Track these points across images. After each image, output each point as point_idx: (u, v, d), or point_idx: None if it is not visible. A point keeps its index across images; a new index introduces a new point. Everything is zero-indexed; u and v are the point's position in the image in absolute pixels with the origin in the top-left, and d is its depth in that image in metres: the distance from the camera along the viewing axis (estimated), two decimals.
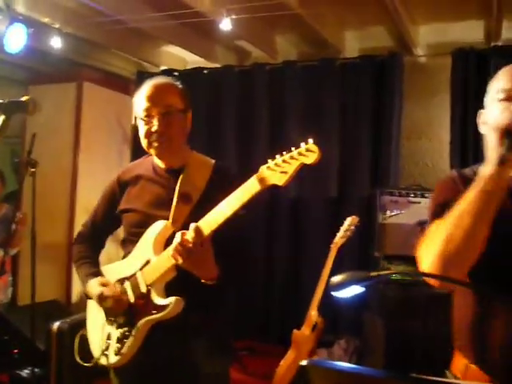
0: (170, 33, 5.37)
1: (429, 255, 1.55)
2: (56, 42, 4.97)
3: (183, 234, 2.00)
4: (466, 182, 1.63)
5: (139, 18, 4.81)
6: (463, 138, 5.14)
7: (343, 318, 5.36)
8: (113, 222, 2.49)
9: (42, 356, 4.38)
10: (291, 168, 1.84)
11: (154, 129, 2.23)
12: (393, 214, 4.66)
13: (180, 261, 2.02)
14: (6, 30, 3.97)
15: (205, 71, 6.24)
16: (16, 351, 4.52)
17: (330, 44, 5.50)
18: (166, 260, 2.12)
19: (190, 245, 1.98)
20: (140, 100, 2.28)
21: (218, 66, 6.21)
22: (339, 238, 4.02)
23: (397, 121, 5.39)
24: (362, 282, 1.43)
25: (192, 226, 2.00)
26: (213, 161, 2.39)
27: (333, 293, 1.48)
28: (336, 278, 1.46)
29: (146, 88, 2.29)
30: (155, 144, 2.26)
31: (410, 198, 4.73)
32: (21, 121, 6.06)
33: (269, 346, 5.57)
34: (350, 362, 4.71)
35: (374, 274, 1.42)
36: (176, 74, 6.29)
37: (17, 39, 4.15)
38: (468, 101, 5.10)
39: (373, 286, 1.44)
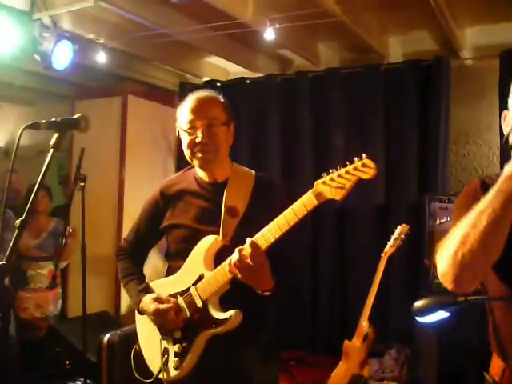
0: (212, 44, 5.40)
1: (444, 258, 1.50)
2: (101, 57, 5.06)
3: (241, 250, 2.02)
4: (487, 188, 1.58)
5: (182, 31, 4.84)
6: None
7: (393, 327, 5.28)
8: (155, 236, 2.53)
9: (94, 368, 4.42)
10: (348, 183, 1.86)
11: (198, 140, 2.25)
12: (442, 221, 4.56)
13: (239, 276, 2.05)
14: (53, 48, 4.03)
15: (247, 81, 6.24)
16: (68, 363, 4.58)
17: (373, 50, 5.44)
18: (222, 275, 2.15)
19: (248, 260, 2.00)
20: (184, 112, 2.30)
21: (260, 75, 6.20)
22: (389, 246, 3.97)
23: (444, 126, 5.29)
24: (449, 307, 1.39)
25: (248, 241, 2.01)
26: (253, 172, 2.42)
27: (416, 318, 1.45)
28: (419, 303, 1.43)
29: (190, 101, 2.32)
30: (199, 155, 2.28)
31: None
32: (68, 135, 6.15)
33: (317, 357, 5.53)
34: (401, 372, 4.63)
35: (461, 299, 1.38)
36: (218, 84, 6.31)
37: (63, 56, 4.21)
38: None
39: (456, 308, 1.40)
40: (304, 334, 5.80)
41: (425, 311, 1.42)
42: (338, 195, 1.87)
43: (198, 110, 2.28)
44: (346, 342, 3.97)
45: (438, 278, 4.58)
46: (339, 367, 3.94)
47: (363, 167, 1.82)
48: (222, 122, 2.31)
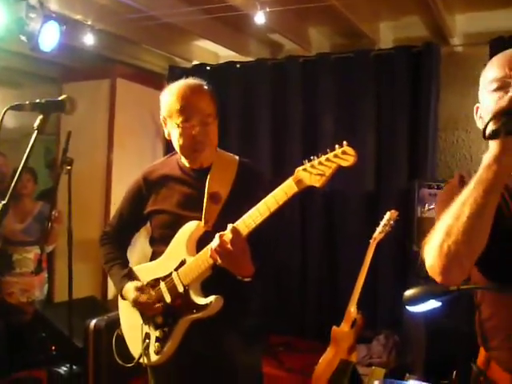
0: (202, 27, 5.34)
1: (430, 250, 1.50)
2: (89, 39, 4.98)
3: (221, 236, 2.02)
4: (465, 183, 1.59)
5: (171, 13, 4.78)
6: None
7: (382, 313, 5.30)
8: (139, 221, 2.54)
9: (80, 353, 4.40)
10: (328, 170, 1.86)
11: (194, 137, 2.24)
12: (431, 207, 4.55)
13: (219, 261, 2.06)
14: (40, 29, 3.96)
15: (237, 65, 6.19)
16: (53, 348, 4.56)
17: (364, 35, 5.42)
18: (203, 260, 2.16)
19: (229, 246, 2.01)
20: (174, 104, 2.26)
21: (250, 59, 6.16)
22: (378, 233, 3.96)
23: (433, 112, 5.28)
24: (440, 296, 1.38)
25: (229, 227, 2.02)
26: (237, 158, 2.43)
27: (407, 307, 1.43)
28: (410, 292, 1.41)
29: (181, 93, 2.28)
30: (194, 152, 2.29)
31: None
32: (54, 118, 6.09)
33: (305, 342, 5.54)
34: (389, 358, 4.64)
35: (453, 288, 1.36)
36: (208, 68, 6.27)
37: (50, 37, 4.14)
38: None
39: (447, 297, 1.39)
40: (292, 320, 5.81)
41: (416, 300, 1.41)
42: (317, 182, 1.88)
43: (193, 106, 2.26)
44: (335, 327, 3.97)
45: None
46: (327, 353, 3.94)
47: (343, 154, 1.82)
48: (215, 116, 2.32)
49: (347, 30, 5.47)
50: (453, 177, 4.90)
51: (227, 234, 2.02)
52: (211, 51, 6.51)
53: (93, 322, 4.35)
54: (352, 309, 3.91)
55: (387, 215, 4.00)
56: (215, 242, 2.04)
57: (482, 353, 1.73)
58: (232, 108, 6.03)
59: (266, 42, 6.15)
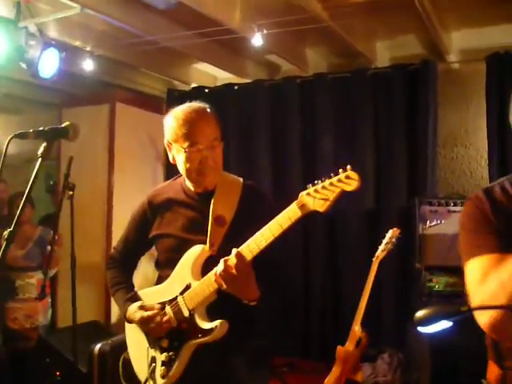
0: (199, 50, 5.39)
1: (487, 313, 1.50)
2: (88, 65, 5.03)
3: (226, 261, 2.02)
4: (493, 202, 1.61)
5: (169, 37, 4.83)
6: (501, 144, 5.04)
7: (385, 331, 5.28)
8: (144, 245, 2.52)
9: (85, 378, 4.38)
10: (332, 195, 1.85)
11: (202, 162, 2.24)
12: (433, 224, 4.56)
13: (224, 286, 2.05)
14: (39, 56, 4.00)
15: (235, 87, 6.23)
16: (58, 373, 4.54)
17: (360, 54, 5.46)
18: (208, 285, 2.15)
19: (233, 271, 2.00)
20: (181, 129, 2.25)
21: (248, 81, 6.20)
22: (381, 251, 3.96)
23: (432, 129, 5.30)
24: (453, 316, 1.37)
25: (234, 252, 2.01)
26: (241, 180, 2.41)
27: (418, 328, 1.43)
28: (421, 313, 1.40)
29: (188, 118, 2.26)
30: (202, 176, 2.28)
31: (450, 208, 4.63)
32: (55, 143, 6.11)
33: (310, 363, 5.52)
34: (394, 377, 4.62)
35: (464, 308, 1.36)
36: (206, 91, 6.31)
37: (50, 64, 4.17)
38: (504, 106, 5.00)
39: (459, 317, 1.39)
40: (296, 340, 5.79)
41: (427, 321, 1.40)
42: (321, 207, 1.86)
43: (199, 130, 2.24)
44: (339, 347, 3.95)
45: (429, 281, 4.57)
46: (332, 373, 3.92)
47: (347, 179, 1.81)
48: (220, 139, 2.31)
49: (344, 50, 5.52)
50: (455, 193, 4.88)
51: (231, 259, 2.01)
52: (209, 74, 6.56)
53: (97, 347, 4.34)
54: (356, 328, 3.89)
55: (389, 233, 3.99)
56: (220, 267, 2.03)
57: (494, 370, 1.71)
58: (231, 129, 6.06)
59: (263, 64, 6.20)
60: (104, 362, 4.29)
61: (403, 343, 4.86)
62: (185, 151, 2.23)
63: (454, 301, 4.28)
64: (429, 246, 4.61)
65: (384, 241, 3.98)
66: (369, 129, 5.56)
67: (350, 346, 3.90)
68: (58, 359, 4.60)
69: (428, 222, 4.60)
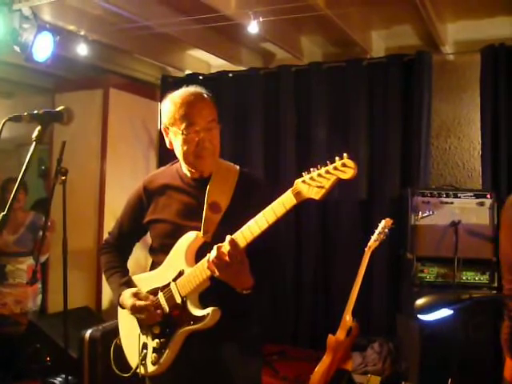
0: (194, 37, 5.36)
1: None
2: (82, 50, 5.00)
3: (219, 247, 2.00)
4: None
5: (164, 23, 4.80)
6: (494, 136, 5.05)
7: (375, 320, 5.31)
8: (139, 230, 2.51)
9: (75, 364, 4.38)
10: (328, 183, 1.83)
11: (199, 144, 2.22)
12: (425, 215, 4.57)
13: (217, 273, 2.03)
14: (33, 39, 3.97)
15: (230, 74, 6.21)
16: (48, 359, 4.53)
17: (356, 44, 5.45)
18: (201, 271, 2.14)
19: (226, 257, 1.99)
20: (176, 112, 2.24)
21: (242, 68, 6.18)
22: (373, 241, 3.97)
23: (426, 120, 5.31)
24: (454, 304, 1.38)
25: (228, 238, 2.00)
26: (237, 167, 2.40)
27: (419, 316, 1.43)
28: (422, 301, 1.41)
29: (184, 101, 2.25)
30: (199, 159, 2.26)
31: (442, 199, 4.65)
32: (48, 128, 6.08)
33: (300, 351, 5.55)
34: (384, 366, 4.65)
35: (465, 296, 1.36)
36: (201, 77, 6.28)
37: (44, 48, 4.14)
38: (498, 98, 5.02)
39: (457, 307, 1.39)
40: (287, 328, 5.82)
41: (428, 309, 1.40)
42: (316, 195, 1.85)
43: (196, 112, 2.23)
44: (330, 336, 3.97)
45: (420, 271, 4.59)
46: (323, 361, 3.94)
47: (343, 167, 1.79)
48: (217, 121, 2.29)
49: (339, 39, 5.51)
50: (448, 185, 4.90)
51: (225, 246, 2.00)
52: (203, 61, 6.53)
53: (88, 333, 4.33)
54: (347, 317, 3.91)
55: (382, 223, 4.00)
56: (213, 254, 2.02)
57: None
58: (225, 117, 6.02)
59: (258, 52, 6.18)
60: (94, 348, 4.28)
61: (393, 333, 4.89)
62: (182, 133, 2.22)
63: (445, 291, 4.30)
64: (421, 237, 4.62)
65: (376, 231, 3.99)
66: (363, 118, 5.56)
67: (340, 334, 3.91)
68: (49, 345, 4.60)
69: (420, 212, 4.61)
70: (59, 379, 4.38)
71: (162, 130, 2.34)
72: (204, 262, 2.10)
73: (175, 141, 2.28)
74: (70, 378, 4.12)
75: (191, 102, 2.24)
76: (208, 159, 2.26)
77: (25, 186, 5.21)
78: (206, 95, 2.30)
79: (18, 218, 5.09)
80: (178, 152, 2.28)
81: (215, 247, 2.02)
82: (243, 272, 2.05)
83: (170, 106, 2.28)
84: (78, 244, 4.91)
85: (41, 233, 4.58)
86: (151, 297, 2.29)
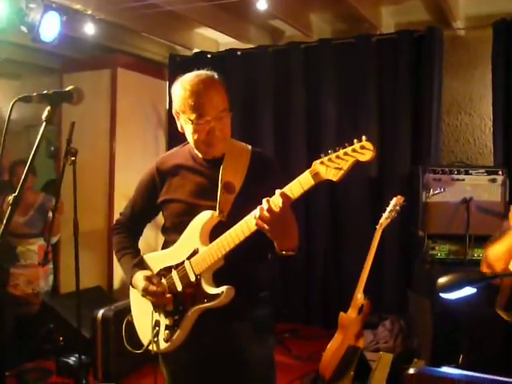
0: (202, 14, 5.32)
1: None
2: (89, 29, 4.97)
3: (269, 200, 1.94)
4: None
5: (171, 1, 4.76)
6: (506, 112, 5.01)
7: (387, 298, 5.31)
8: (151, 211, 2.52)
9: (88, 343, 4.42)
10: (346, 165, 1.83)
11: (213, 133, 2.21)
12: (436, 192, 4.55)
13: (267, 227, 1.96)
14: (40, 19, 3.94)
15: (238, 52, 6.16)
16: (61, 339, 4.57)
17: (365, 20, 5.39)
18: (216, 250, 2.14)
19: (278, 210, 1.92)
20: (188, 100, 2.22)
21: (251, 46, 6.13)
22: (384, 218, 3.94)
23: (437, 96, 5.27)
24: (477, 282, 1.36)
25: (277, 192, 1.93)
26: (249, 147, 2.39)
27: (441, 294, 1.42)
28: (445, 279, 1.40)
29: (196, 89, 2.22)
30: (210, 147, 2.26)
31: (454, 176, 4.62)
32: (58, 108, 6.07)
33: (312, 329, 5.57)
34: (395, 343, 4.65)
35: (490, 274, 1.35)
36: (209, 56, 6.24)
37: (51, 28, 4.13)
38: (511, 73, 4.95)
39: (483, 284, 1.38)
40: (299, 307, 5.84)
41: (451, 287, 1.39)
42: (334, 176, 1.85)
43: (207, 102, 2.20)
44: (342, 314, 3.96)
45: (431, 249, 4.58)
46: (335, 339, 3.94)
47: (361, 149, 1.79)
48: (228, 109, 2.28)
49: (348, 16, 5.45)
50: (459, 162, 4.87)
51: (276, 198, 1.92)
52: (211, 39, 6.48)
53: (100, 312, 4.37)
54: (359, 295, 3.90)
55: (393, 201, 3.97)
56: (263, 206, 1.94)
57: None
58: (233, 96, 5.88)
59: (266, 29, 6.12)
60: (107, 328, 4.32)
61: (405, 310, 4.89)
62: (192, 123, 2.21)
63: (457, 268, 4.29)
64: (432, 214, 4.61)
65: (388, 208, 3.96)
66: (373, 95, 5.52)
67: (352, 312, 3.91)
68: (62, 325, 4.64)
69: (431, 190, 4.59)
70: (73, 359, 4.42)
71: (174, 113, 2.33)
72: (220, 239, 2.11)
73: (186, 127, 2.27)
74: (83, 357, 4.15)
75: (201, 91, 2.21)
76: (218, 146, 2.26)
77: (33, 167, 5.21)
78: (217, 80, 2.27)
79: (27, 199, 5.10)
80: (189, 139, 2.28)
81: (265, 200, 1.95)
82: (293, 228, 2.03)
83: (179, 92, 2.26)
84: (88, 225, 4.91)
85: (50, 214, 4.59)
86: (164, 282, 2.30)
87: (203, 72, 2.30)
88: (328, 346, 3.92)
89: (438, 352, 4.23)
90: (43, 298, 5.04)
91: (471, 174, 4.60)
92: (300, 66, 5.84)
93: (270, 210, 1.93)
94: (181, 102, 2.25)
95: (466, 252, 4.39)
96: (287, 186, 1.93)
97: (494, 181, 4.58)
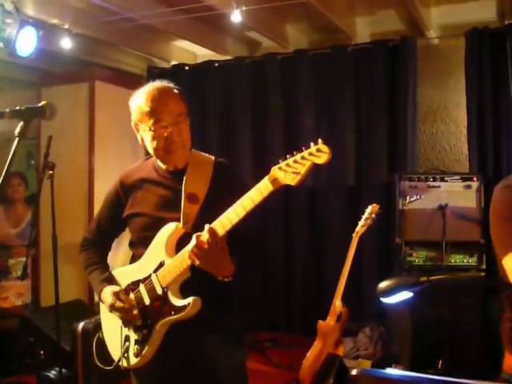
0: (179, 27, 5.35)
1: None
2: (66, 43, 4.97)
3: (198, 237, 2.02)
4: None
5: (148, 15, 4.79)
6: (480, 120, 5.09)
7: (366, 305, 5.35)
8: (118, 226, 2.52)
9: (69, 356, 4.40)
10: (303, 168, 1.85)
11: (167, 139, 2.24)
12: (412, 199, 4.61)
13: (197, 262, 2.05)
14: (16, 34, 3.96)
15: (216, 64, 6.20)
16: (42, 352, 4.55)
17: (340, 31, 5.46)
18: (181, 261, 2.16)
19: (206, 246, 2.01)
20: (144, 109, 2.26)
21: (228, 58, 6.17)
22: (360, 226, 3.99)
23: (412, 105, 5.34)
24: (413, 287, 1.41)
25: (206, 227, 2.02)
26: (212, 157, 2.41)
27: (381, 298, 1.47)
28: (384, 284, 1.45)
29: (149, 97, 2.26)
30: (169, 153, 2.28)
31: (430, 183, 4.68)
32: (35, 122, 6.07)
33: (292, 337, 5.58)
34: (375, 350, 4.69)
35: (423, 278, 1.40)
36: (187, 68, 6.28)
37: (28, 42, 4.14)
38: (484, 81, 5.04)
39: (419, 288, 1.42)
40: (279, 316, 5.85)
41: (389, 292, 1.44)
42: (292, 181, 1.87)
43: (162, 107, 2.24)
44: (321, 321, 3.99)
45: (409, 255, 4.62)
46: (314, 347, 3.97)
47: (318, 152, 1.82)
48: (185, 115, 2.31)
49: (324, 26, 5.51)
50: (434, 169, 4.92)
51: (204, 235, 2.01)
52: (189, 51, 6.51)
53: (80, 325, 4.35)
54: (337, 303, 3.93)
55: (369, 209, 4.03)
56: (192, 243, 2.04)
57: (510, 359, 1.77)
58: (212, 106, 6.05)
59: (243, 40, 6.17)
60: (87, 340, 4.30)
61: (384, 317, 4.93)
62: (150, 129, 2.24)
63: (434, 274, 4.33)
64: (409, 221, 4.66)
65: (364, 216, 4.01)
66: (349, 105, 5.58)
67: (330, 320, 3.94)
68: (42, 338, 4.61)
69: (408, 197, 4.65)
70: (53, 372, 4.40)
71: (133, 126, 2.35)
72: (184, 251, 2.12)
73: (145, 137, 2.30)
74: (63, 370, 4.14)
75: (156, 97, 2.25)
76: (178, 152, 2.28)
77: (24, 179, 5.23)
78: (172, 89, 2.32)
79: (18, 211, 5.11)
80: (149, 147, 2.30)
81: (194, 236, 2.04)
82: (223, 260, 2.08)
83: (136, 101, 2.30)
84: (67, 238, 4.89)
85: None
86: (131, 297, 2.31)
87: (158, 82, 2.34)
88: (307, 354, 3.95)
89: (416, 357, 4.28)
90: (23, 311, 5.02)
91: (447, 181, 4.67)
92: (277, 77, 5.89)
93: (198, 245, 2.01)
94: (138, 111, 2.28)
95: (443, 258, 4.44)
96: (246, 195, 1.98)
97: (469, 187, 4.64)
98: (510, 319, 1.75)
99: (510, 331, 1.76)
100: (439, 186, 4.67)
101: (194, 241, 2.03)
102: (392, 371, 1.05)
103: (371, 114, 5.50)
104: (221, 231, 2.02)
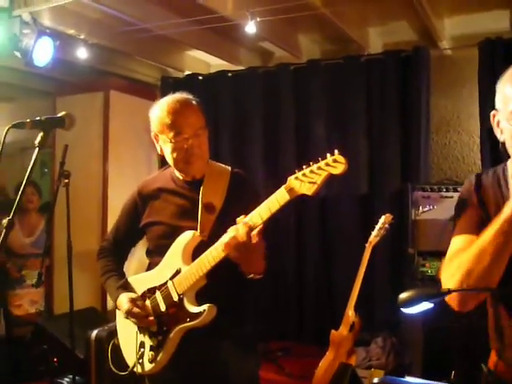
0: (193, 38, 5.40)
1: (450, 285, 1.59)
2: (82, 53, 5.03)
3: (234, 229, 2.04)
4: (478, 187, 1.77)
5: (163, 25, 4.84)
6: (493, 130, 5.06)
7: (379, 315, 5.34)
8: (135, 235, 2.57)
9: (82, 364, 4.43)
10: (319, 178, 1.88)
11: (188, 151, 2.29)
12: (425, 209, 4.61)
13: (233, 254, 2.06)
14: (33, 44, 4.01)
15: (229, 74, 6.23)
16: (56, 360, 4.58)
17: (353, 41, 5.48)
18: (197, 269, 2.19)
19: (245, 237, 2.01)
20: (164, 121, 2.31)
21: (241, 68, 6.21)
22: (374, 236, 4.00)
23: (425, 115, 5.34)
24: (433, 298, 1.43)
25: (241, 219, 2.04)
26: (229, 168, 2.47)
27: (402, 309, 1.48)
28: (404, 295, 1.47)
29: (172, 108, 2.31)
30: (189, 165, 2.33)
31: (443, 193, 4.68)
32: (50, 133, 6.12)
33: (304, 347, 5.57)
34: (387, 360, 4.68)
35: (444, 290, 1.42)
36: (200, 78, 6.31)
37: (44, 52, 4.18)
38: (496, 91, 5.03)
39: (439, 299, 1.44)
40: (291, 325, 5.85)
41: (410, 303, 1.46)
42: (309, 190, 1.90)
43: (183, 120, 2.29)
44: (333, 331, 4.01)
45: (422, 266, 4.62)
46: (326, 357, 3.98)
47: (334, 162, 1.85)
48: (204, 127, 2.36)
49: (337, 37, 5.53)
50: (447, 179, 4.92)
51: (241, 226, 2.03)
52: (203, 61, 6.56)
53: (94, 333, 4.38)
54: (350, 312, 3.95)
55: (382, 219, 4.04)
56: (230, 234, 2.05)
57: (494, 358, 1.81)
58: (224, 116, 6.08)
59: (256, 51, 6.21)
60: (101, 348, 4.32)
61: (397, 327, 4.92)
62: (171, 141, 2.27)
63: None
64: (421, 232, 4.66)
65: (377, 226, 4.02)
66: (362, 115, 5.58)
67: (343, 330, 3.95)
68: (56, 346, 4.65)
69: (420, 207, 4.65)
70: (67, 379, 4.43)
71: (153, 137, 2.40)
72: (201, 259, 2.17)
73: (165, 148, 2.34)
74: (77, 378, 4.17)
75: (178, 110, 2.29)
76: (197, 164, 2.32)
77: (38, 188, 5.28)
78: (192, 101, 2.35)
79: (32, 220, 5.16)
80: (169, 159, 2.34)
81: (231, 228, 2.06)
82: (259, 254, 2.10)
83: (157, 114, 2.34)
84: (82, 246, 4.94)
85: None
86: (147, 303, 2.34)
87: (179, 94, 2.38)
88: (320, 364, 3.95)
89: (429, 368, 4.26)
90: (37, 319, 5.06)
91: (459, 191, 4.65)
92: (289, 87, 5.91)
93: (234, 237, 2.03)
94: (158, 123, 2.33)
95: None
96: (263, 204, 2.00)
97: None
98: (493, 316, 1.78)
99: (496, 333, 1.79)
100: (452, 197, 4.66)
101: (232, 231, 2.05)
102: (412, 379, 1.06)
103: (384, 124, 5.50)
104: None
